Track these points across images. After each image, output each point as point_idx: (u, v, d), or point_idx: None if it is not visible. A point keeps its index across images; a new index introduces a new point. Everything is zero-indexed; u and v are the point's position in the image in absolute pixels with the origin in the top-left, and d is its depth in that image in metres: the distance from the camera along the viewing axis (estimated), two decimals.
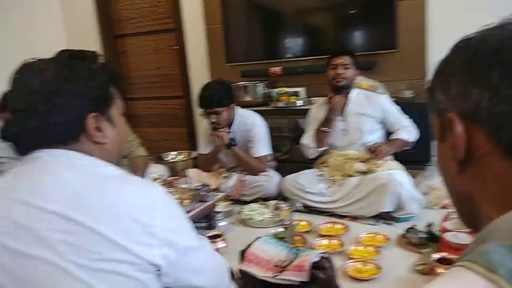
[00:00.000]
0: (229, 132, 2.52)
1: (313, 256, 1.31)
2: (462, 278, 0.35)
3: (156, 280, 0.73)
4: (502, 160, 0.42)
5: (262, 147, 2.57)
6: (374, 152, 2.26)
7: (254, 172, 2.56)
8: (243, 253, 1.48)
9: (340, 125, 2.42)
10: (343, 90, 2.43)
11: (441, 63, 0.50)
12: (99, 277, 0.66)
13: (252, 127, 2.57)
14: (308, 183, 2.36)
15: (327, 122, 2.42)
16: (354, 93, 2.46)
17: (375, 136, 2.40)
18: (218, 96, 2.41)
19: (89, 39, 4.09)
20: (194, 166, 2.98)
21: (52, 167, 0.73)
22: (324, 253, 1.42)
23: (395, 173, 2.15)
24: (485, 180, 0.44)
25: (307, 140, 2.50)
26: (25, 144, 0.76)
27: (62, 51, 0.80)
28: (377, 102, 2.41)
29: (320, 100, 2.62)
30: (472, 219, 0.48)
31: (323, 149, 2.47)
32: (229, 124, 2.56)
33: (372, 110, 2.40)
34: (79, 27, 4.10)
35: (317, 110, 2.55)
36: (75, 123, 0.75)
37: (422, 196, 2.18)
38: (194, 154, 3.31)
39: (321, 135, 2.44)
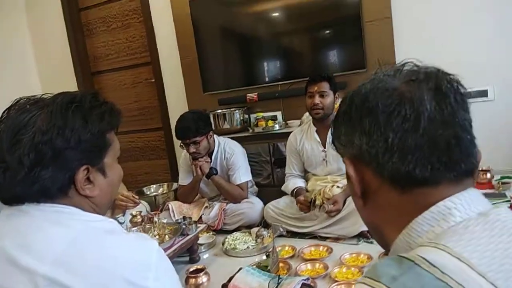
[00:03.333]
0: (209, 162, 2.53)
1: (294, 284, 1.32)
2: None
3: None
4: (389, 191, 0.50)
5: (243, 174, 2.58)
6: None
7: (236, 200, 2.56)
8: (225, 287, 1.48)
9: (321, 155, 2.44)
10: (323, 120, 2.42)
11: (334, 117, 0.59)
12: None
13: (232, 154, 2.58)
14: (288, 208, 2.36)
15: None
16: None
17: None
18: (195, 126, 2.43)
19: (64, 77, 4.10)
20: (176, 198, 2.96)
21: (39, 223, 0.67)
22: (307, 279, 1.44)
23: None
24: (382, 209, 0.52)
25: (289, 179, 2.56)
26: (8, 195, 0.70)
27: (59, 94, 0.74)
28: None
29: (298, 129, 2.62)
30: (384, 243, 0.56)
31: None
32: (209, 153, 2.57)
33: None
34: (53, 66, 4.13)
35: (295, 138, 2.57)
36: (64, 178, 0.69)
37: None
38: (175, 185, 3.31)
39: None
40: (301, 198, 2.34)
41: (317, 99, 2.36)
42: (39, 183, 0.67)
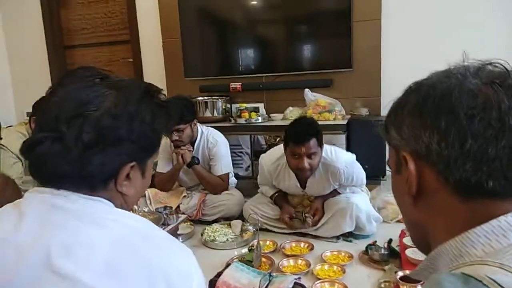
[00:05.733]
0: (191, 151, 2.46)
1: (287, 283, 1.32)
2: None
3: None
4: (450, 196, 0.47)
5: (225, 166, 2.55)
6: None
7: (216, 191, 2.53)
8: (213, 283, 1.45)
9: (300, 191, 2.27)
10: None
11: (394, 104, 0.54)
12: None
13: (214, 145, 2.53)
14: (270, 210, 2.33)
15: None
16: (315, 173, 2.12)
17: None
18: (180, 113, 2.35)
19: (34, 48, 3.85)
20: (151, 186, 2.88)
21: (78, 223, 0.60)
22: (299, 278, 1.44)
23: (353, 196, 2.19)
24: (434, 212, 0.50)
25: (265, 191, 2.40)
26: (49, 171, 0.61)
27: (136, 80, 0.71)
28: (336, 174, 2.11)
29: (271, 163, 2.24)
30: (423, 243, 0.54)
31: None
32: (192, 142, 2.51)
33: (332, 179, 2.15)
34: (23, 34, 3.86)
35: (270, 173, 2.27)
36: (113, 169, 0.64)
37: (379, 215, 2.25)
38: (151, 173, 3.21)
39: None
40: (286, 218, 2.21)
41: (306, 163, 1.96)
42: (87, 168, 0.61)
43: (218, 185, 2.52)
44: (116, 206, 0.66)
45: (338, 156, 2.12)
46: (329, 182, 2.16)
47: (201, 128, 2.58)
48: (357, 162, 2.22)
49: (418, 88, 0.51)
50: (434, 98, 0.48)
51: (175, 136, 2.38)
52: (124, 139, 0.64)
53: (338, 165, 2.09)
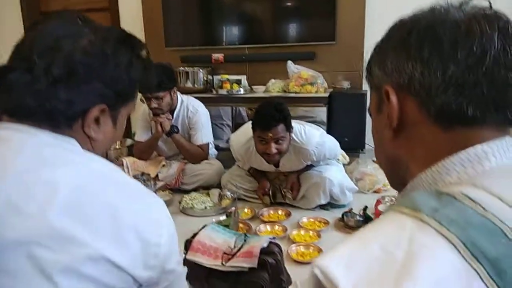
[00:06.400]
0: (170, 119, 2.43)
1: (262, 242, 1.32)
2: (393, 220, 0.41)
3: None
4: (430, 126, 0.48)
5: (205, 135, 2.53)
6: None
7: (196, 160, 2.51)
8: (189, 243, 1.45)
9: (273, 169, 2.24)
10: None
11: (379, 42, 0.55)
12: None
13: (194, 114, 2.50)
14: (247, 182, 2.34)
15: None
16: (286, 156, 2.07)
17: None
18: (158, 80, 2.29)
19: (8, 13, 3.69)
20: (129, 155, 2.84)
21: (40, 159, 0.58)
22: (273, 238, 1.45)
23: (326, 169, 2.18)
24: (414, 144, 0.50)
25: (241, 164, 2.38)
26: (14, 103, 0.60)
27: (113, 27, 0.69)
28: (307, 155, 2.09)
29: (241, 145, 2.20)
30: (399, 178, 0.54)
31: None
32: (171, 110, 2.47)
33: (304, 160, 2.14)
34: None
35: (241, 156, 2.26)
36: (79, 108, 0.62)
37: (354, 185, 2.27)
38: (128, 142, 3.17)
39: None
40: (260, 193, 2.23)
41: (273, 148, 1.90)
42: (53, 102, 0.59)
43: (197, 155, 2.50)
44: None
45: (309, 137, 2.06)
46: (301, 162, 2.15)
47: (181, 97, 2.54)
48: (328, 136, 2.18)
49: (402, 24, 0.52)
50: (418, 30, 0.49)
51: (154, 104, 2.34)
52: (95, 79, 0.62)
53: (308, 147, 2.05)
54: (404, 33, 0.50)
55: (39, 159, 0.59)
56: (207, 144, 2.56)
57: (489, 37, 0.45)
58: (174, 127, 2.43)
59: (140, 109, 2.63)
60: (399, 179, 0.54)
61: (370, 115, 0.58)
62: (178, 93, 2.52)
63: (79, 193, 0.57)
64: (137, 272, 0.59)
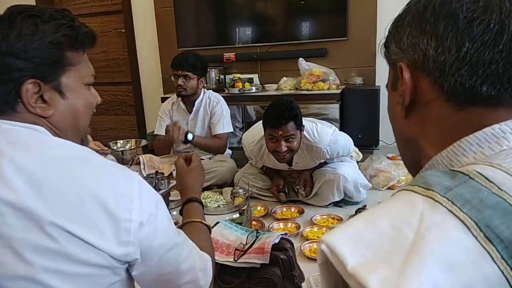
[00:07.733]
0: (184, 129, 2.40)
1: (273, 238, 1.32)
2: (404, 198, 0.39)
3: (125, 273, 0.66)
4: (444, 105, 0.47)
5: (226, 124, 2.60)
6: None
7: (218, 152, 2.60)
8: None
9: (287, 168, 2.25)
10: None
11: (395, 19, 0.54)
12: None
13: (217, 103, 2.60)
14: (261, 181, 2.33)
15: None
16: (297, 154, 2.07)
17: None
18: (192, 61, 2.45)
19: None
20: (148, 152, 2.89)
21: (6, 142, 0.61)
22: (285, 234, 1.45)
23: (340, 166, 2.17)
24: (427, 124, 0.49)
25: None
26: None
27: (10, 7, 0.68)
28: (320, 154, 2.07)
29: (254, 145, 2.20)
30: (415, 164, 0.53)
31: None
32: (193, 100, 2.56)
33: (317, 158, 2.13)
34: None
35: (255, 157, 2.28)
36: (7, 89, 0.63)
37: (367, 182, 2.24)
38: (143, 142, 3.21)
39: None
40: (274, 190, 2.25)
41: (283, 146, 1.90)
42: None
43: (217, 147, 2.59)
44: (53, 135, 0.67)
45: (321, 135, 2.04)
46: (314, 161, 2.14)
47: (204, 89, 2.64)
48: (341, 134, 2.17)
49: (418, 0, 0.51)
50: (434, 5, 0.47)
51: (180, 81, 2.46)
52: (6, 56, 0.62)
53: (321, 145, 2.03)
54: (420, 8, 0.49)
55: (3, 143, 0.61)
56: (227, 134, 2.64)
57: (508, 11, 0.43)
58: (188, 133, 2.41)
59: (160, 108, 2.74)
60: (415, 162, 0.53)
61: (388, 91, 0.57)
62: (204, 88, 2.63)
63: (44, 171, 0.59)
64: (111, 248, 0.59)
